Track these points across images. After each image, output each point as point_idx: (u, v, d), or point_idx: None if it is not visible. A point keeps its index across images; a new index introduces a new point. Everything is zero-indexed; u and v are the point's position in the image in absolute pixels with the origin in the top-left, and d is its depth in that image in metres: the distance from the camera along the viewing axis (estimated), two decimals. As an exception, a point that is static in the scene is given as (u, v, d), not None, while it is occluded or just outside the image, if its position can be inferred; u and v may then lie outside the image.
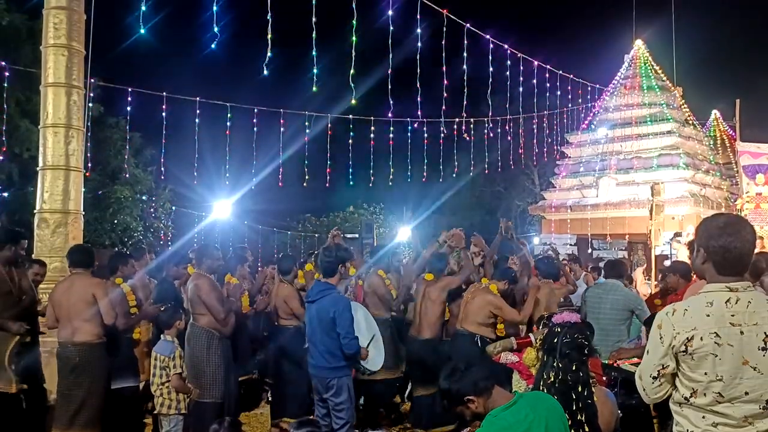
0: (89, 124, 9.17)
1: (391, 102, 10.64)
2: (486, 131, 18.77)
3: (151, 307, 5.62)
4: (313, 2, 8.68)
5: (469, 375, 2.98)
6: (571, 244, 20.45)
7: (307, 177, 16.02)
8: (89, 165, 10.25)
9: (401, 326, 6.67)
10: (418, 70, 10.92)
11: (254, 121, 14.61)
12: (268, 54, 8.14)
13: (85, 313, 5.07)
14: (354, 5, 8.89)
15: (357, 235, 16.76)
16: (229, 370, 5.60)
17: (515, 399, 2.92)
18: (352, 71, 9.26)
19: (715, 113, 27.99)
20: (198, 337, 5.45)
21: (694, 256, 2.49)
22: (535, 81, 16.40)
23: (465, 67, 12.25)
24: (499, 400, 2.93)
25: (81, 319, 5.07)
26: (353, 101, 10.08)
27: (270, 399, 7.17)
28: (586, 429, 3.21)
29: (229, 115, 14.01)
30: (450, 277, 6.40)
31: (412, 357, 6.32)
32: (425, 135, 17.01)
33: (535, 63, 16.05)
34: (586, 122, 25.07)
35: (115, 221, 19.56)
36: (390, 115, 12.15)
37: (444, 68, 11.46)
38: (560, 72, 17.85)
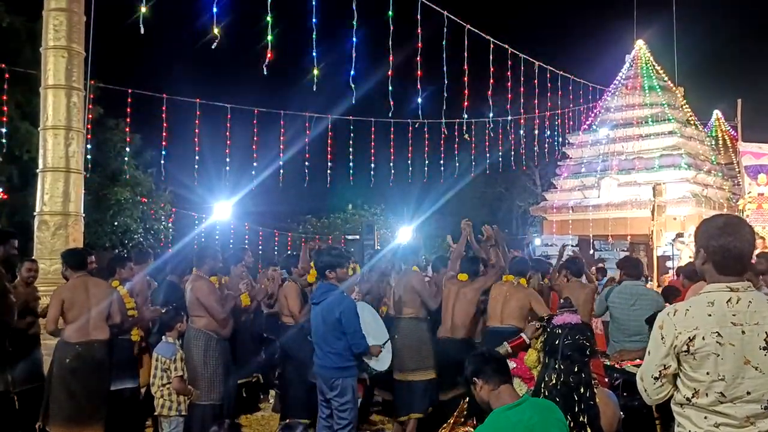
0: (89, 125, 9.15)
1: (392, 102, 10.62)
2: (487, 132, 18.77)
3: (149, 310, 5.61)
4: (314, 3, 8.67)
5: (486, 361, 3.06)
6: (572, 245, 20.43)
7: (307, 178, 16.02)
8: (89, 167, 10.23)
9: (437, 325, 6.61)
10: (419, 71, 10.92)
11: (254, 122, 14.62)
12: (268, 55, 8.12)
13: (105, 312, 5.21)
14: (354, 6, 8.89)
15: (358, 236, 16.75)
16: (227, 371, 5.60)
17: (521, 400, 2.95)
18: (352, 72, 9.25)
19: (716, 113, 28.00)
20: (196, 339, 5.46)
21: (695, 257, 2.50)
22: (536, 81, 16.39)
23: (466, 67, 12.24)
24: (506, 398, 2.96)
25: (101, 318, 5.19)
26: (353, 102, 10.08)
27: (273, 400, 7.16)
28: (589, 430, 3.20)
29: (229, 116, 14.02)
30: (483, 278, 6.38)
31: (446, 357, 6.17)
32: (426, 136, 17.01)
33: (537, 63, 16.04)
34: (588, 123, 25.08)
35: (116, 223, 19.52)
36: (390, 115, 12.13)
37: (445, 69, 11.45)
38: (561, 72, 17.85)
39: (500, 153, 20.96)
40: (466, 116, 14.34)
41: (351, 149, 16.50)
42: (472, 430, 3.34)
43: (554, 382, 3.30)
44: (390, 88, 10.32)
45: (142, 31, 7.29)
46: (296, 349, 6.20)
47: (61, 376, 5.13)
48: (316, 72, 8.88)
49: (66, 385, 5.11)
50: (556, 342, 3.37)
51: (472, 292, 6.20)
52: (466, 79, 12.26)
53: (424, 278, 6.54)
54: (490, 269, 6.52)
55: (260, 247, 22.92)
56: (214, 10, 7.45)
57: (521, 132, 21.31)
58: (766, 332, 2.27)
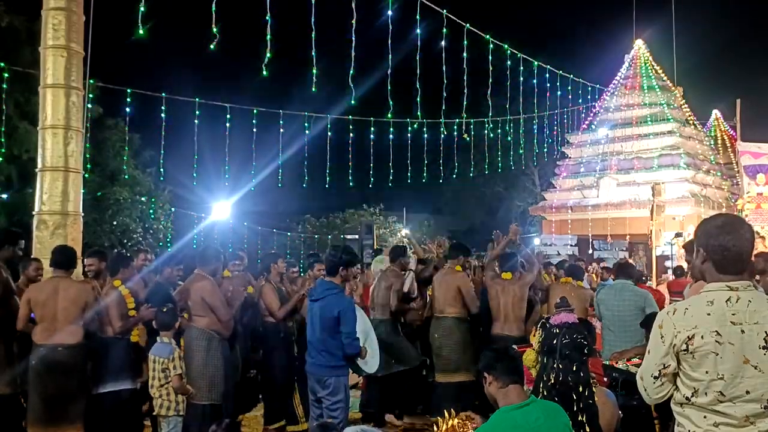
0: (88, 125, 9.14)
1: (391, 102, 10.61)
2: (486, 132, 18.76)
3: (148, 309, 5.57)
4: (313, 2, 8.66)
5: (499, 358, 3.06)
6: (571, 245, 20.46)
7: (306, 178, 16.01)
8: (88, 166, 10.23)
9: (478, 325, 6.59)
10: (418, 71, 10.91)
11: (254, 122, 14.61)
12: (268, 55, 8.12)
13: (77, 318, 5.13)
14: (354, 5, 8.88)
15: (357, 236, 16.74)
16: (227, 371, 5.59)
17: (528, 401, 2.94)
18: (351, 72, 9.24)
19: (715, 113, 27.99)
20: (198, 338, 5.43)
21: (694, 256, 2.50)
22: (535, 81, 16.39)
23: (465, 67, 12.24)
24: (513, 398, 2.97)
25: (72, 323, 5.11)
26: (353, 102, 10.07)
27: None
28: (587, 430, 3.19)
29: (228, 116, 14.00)
30: (528, 274, 6.51)
31: None
32: (425, 135, 17.00)
33: (536, 63, 16.03)
34: (587, 122, 25.07)
35: (115, 223, 19.54)
36: (389, 115, 12.12)
37: (444, 68, 11.44)
38: (560, 72, 17.84)
39: (499, 153, 20.94)
40: (465, 116, 14.36)
41: (350, 149, 16.49)
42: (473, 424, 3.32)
43: (553, 382, 3.30)
44: (389, 87, 10.32)
45: (142, 31, 7.30)
46: (275, 355, 6.28)
47: (31, 377, 5.13)
48: (315, 71, 8.88)
49: (35, 386, 5.10)
50: (554, 342, 3.36)
51: (520, 288, 6.31)
52: (465, 78, 12.26)
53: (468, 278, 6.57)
54: (533, 267, 6.68)
55: (259, 247, 22.93)
56: (213, 9, 7.44)
57: (520, 132, 21.32)
58: (765, 331, 2.26)
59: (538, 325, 3.78)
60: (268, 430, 6.44)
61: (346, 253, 5.14)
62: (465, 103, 13.32)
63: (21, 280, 5.79)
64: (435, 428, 3.44)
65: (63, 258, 5.36)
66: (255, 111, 14.54)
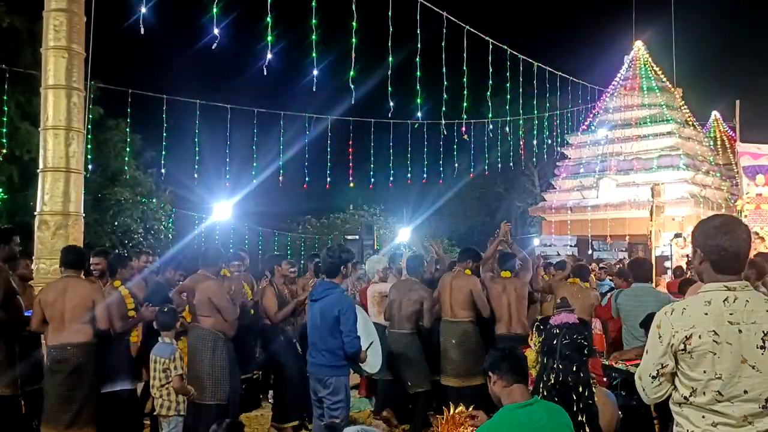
0: (89, 126, 9.16)
1: (391, 103, 10.61)
2: (486, 132, 18.77)
3: (148, 309, 5.59)
4: (314, 4, 8.68)
5: (504, 358, 3.09)
6: (571, 245, 20.47)
7: (307, 179, 16.01)
8: (89, 167, 10.24)
9: (486, 328, 6.50)
10: (418, 72, 10.93)
11: (254, 122, 14.62)
12: (269, 55, 8.13)
13: (85, 317, 5.12)
14: (354, 7, 8.90)
15: (357, 237, 16.77)
16: (233, 371, 5.62)
17: (532, 401, 2.97)
18: (351, 73, 9.26)
19: (714, 114, 28.00)
20: (203, 339, 5.44)
21: (692, 257, 2.52)
22: (535, 82, 16.39)
23: (465, 68, 12.25)
24: (517, 397, 3.00)
25: (80, 322, 5.11)
26: (353, 102, 10.09)
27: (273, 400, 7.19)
28: (587, 430, 3.21)
29: (229, 116, 14.01)
30: (524, 273, 6.56)
31: None
32: (425, 136, 17.02)
33: (535, 64, 16.03)
34: (586, 123, 25.10)
35: (116, 223, 19.52)
36: (390, 116, 12.13)
37: (444, 70, 11.45)
38: (560, 73, 17.82)
39: (499, 153, 20.96)
40: (465, 117, 14.37)
41: (350, 150, 16.50)
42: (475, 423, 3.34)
43: (553, 382, 3.31)
44: (389, 88, 10.33)
45: (143, 32, 7.31)
46: (282, 356, 6.28)
47: (45, 378, 5.15)
48: (315, 72, 8.90)
49: (48, 387, 5.11)
50: (554, 342, 3.37)
51: (522, 287, 6.33)
52: (465, 79, 12.27)
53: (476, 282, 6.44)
54: (527, 268, 6.69)
55: (260, 247, 22.96)
56: (215, 10, 7.46)
57: (520, 132, 21.33)
58: (763, 331, 2.28)
59: (534, 327, 3.80)
60: (281, 428, 6.42)
61: (343, 251, 5.17)
62: (465, 104, 13.33)
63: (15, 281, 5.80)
64: (435, 428, 3.46)
65: (73, 257, 5.35)
66: (256, 112, 14.56)
